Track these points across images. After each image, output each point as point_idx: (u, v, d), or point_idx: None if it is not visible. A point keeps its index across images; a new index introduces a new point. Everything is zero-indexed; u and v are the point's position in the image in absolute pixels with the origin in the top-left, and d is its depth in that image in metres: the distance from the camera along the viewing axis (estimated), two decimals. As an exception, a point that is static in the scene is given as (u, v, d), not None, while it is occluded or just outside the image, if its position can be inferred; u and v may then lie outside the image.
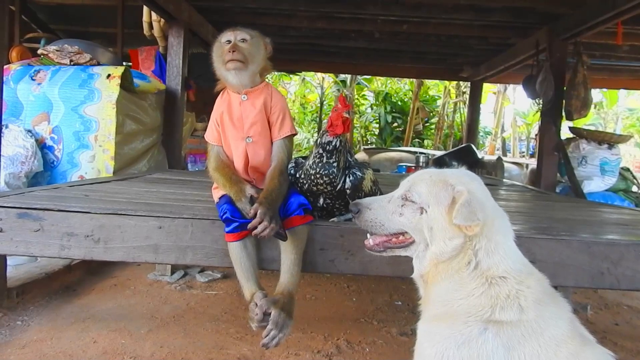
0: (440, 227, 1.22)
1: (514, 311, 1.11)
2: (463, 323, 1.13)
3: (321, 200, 1.84)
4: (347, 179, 1.77)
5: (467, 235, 1.19)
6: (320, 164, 1.76)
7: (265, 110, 1.87)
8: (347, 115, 1.71)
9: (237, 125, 1.85)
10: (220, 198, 1.86)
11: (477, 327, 1.11)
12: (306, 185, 1.80)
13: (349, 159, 1.81)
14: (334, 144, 1.74)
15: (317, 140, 1.78)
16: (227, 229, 1.75)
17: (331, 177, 1.75)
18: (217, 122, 1.89)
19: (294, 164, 1.88)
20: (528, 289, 1.15)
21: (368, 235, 1.40)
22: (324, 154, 1.75)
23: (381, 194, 1.96)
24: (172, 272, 3.57)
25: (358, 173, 1.79)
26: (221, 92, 1.94)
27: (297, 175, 1.83)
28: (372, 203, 1.35)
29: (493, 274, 1.17)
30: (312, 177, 1.77)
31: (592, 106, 7.23)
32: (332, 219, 1.89)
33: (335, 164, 1.75)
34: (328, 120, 1.76)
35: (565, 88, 5.29)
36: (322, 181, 1.76)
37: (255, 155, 1.86)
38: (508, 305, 1.12)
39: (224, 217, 1.74)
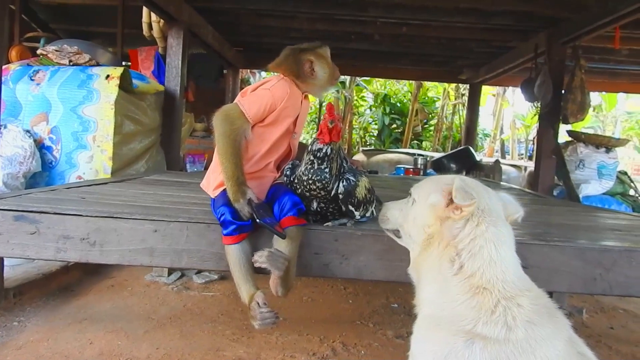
0: (421, 215, 1.28)
1: (499, 328, 1.07)
2: (448, 331, 1.11)
3: (315, 204, 1.85)
4: (341, 184, 1.77)
5: (442, 223, 1.21)
6: (312, 170, 1.76)
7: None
8: (330, 125, 1.71)
9: (294, 121, 1.96)
10: (217, 198, 1.86)
11: (462, 339, 1.08)
12: (299, 190, 1.81)
13: (344, 164, 1.81)
14: (324, 151, 1.74)
15: (308, 146, 1.79)
16: (224, 232, 1.75)
17: (324, 182, 1.76)
18: (269, 107, 1.84)
19: (290, 166, 1.89)
20: (518, 307, 1.10)
21: None
22: (315, 161, 1.75)
23: (377, 201, 1.98)
24: (169, 274, 3.57)
25: (352, 179, 1.78)
26: (282, 79, 1.92)
27: (292, 179, 1.84)
28: (392, 202, 1.49)
29: (477, 283, 1.13)
30: (305, 183, 1.77)
31: (591, 109, 7.25)
32: (326, 224, 1.89)
33: (327, 170, 1.75)
34: (319, 128, 1.77)
35: (562, 91, 5.31)
36: (314, 187, 1.77)
37: (294, 149, 2.03)
38: (492, 322, 1.08)
39: (222, 218, 1.75)
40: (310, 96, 2.09)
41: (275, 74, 1.98)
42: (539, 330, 1.08)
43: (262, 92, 1.86)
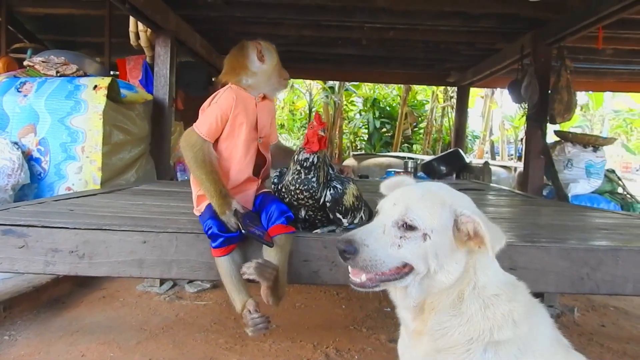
0: (447, 251, 1.12)
1: (509, 328, 1.09)
2: (466, 351, 1.10)
3: (303, 212, 1.86)
4: (328, 192, 1.78)
5: (469, 254, 1.15)
6: (299, 180, 1.77)
7: (273, 113, 2.04)
8: (322, 134, 1.72)
9: (252, 126, 1.91)
10: (203, 211, 1.86)
11: (478, 352, 1.09)
12: (287, 199, 1.82)
13: (330, 172, 1.82)
14: (311, 160, 1.75)
15: (294, 156, 1.79)
16: (213, 244, 1.76)
17: (311, 191, 1.77)
18: (220, 119, 1.85)
19: (278, 174, 1.90)
20: (518, 302, 1.12)
21: (350, 268, 1.18)
22: (301, 170, 1.76)
23: (366, 207, 1.98)
24: (161, 283, 3.55)
25: (339, 187, 1.79)
26: (227, 89, 1.91)
27: (279, 187, 1.85)
28: (367, 238, 1.13)
29: (488, 293, 1.13)
30: (293, 192, 1.78)
31: (579, 108, 7.32)
32: (315, 231, 1.90)
33: (314, 179, 1.76)
34: (305, 137, 1.77)
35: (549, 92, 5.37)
36: (302, 196, 1.78)
37: (266, 155, 1.99)
38: (504, 324, 1.09)
39: (209, 232, 1.75)
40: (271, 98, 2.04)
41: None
42: (533, 320, 1.12)
43: (211, 107, 1.89)
